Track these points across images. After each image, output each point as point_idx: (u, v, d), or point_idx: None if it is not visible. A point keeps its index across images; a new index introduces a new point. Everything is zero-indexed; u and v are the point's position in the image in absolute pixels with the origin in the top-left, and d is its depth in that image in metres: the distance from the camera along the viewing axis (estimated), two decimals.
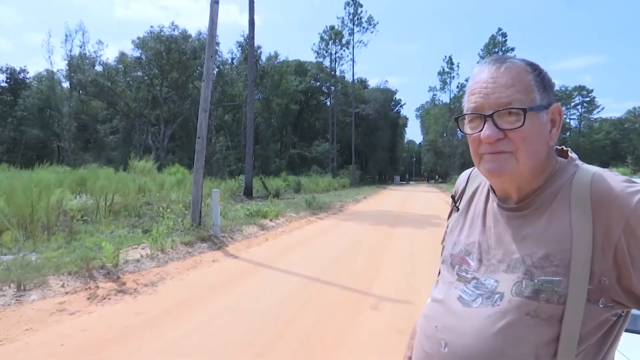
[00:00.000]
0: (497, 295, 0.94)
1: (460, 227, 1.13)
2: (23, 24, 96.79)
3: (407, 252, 8.70)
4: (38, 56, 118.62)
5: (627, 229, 0.85)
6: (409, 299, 5.26)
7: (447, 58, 71.63)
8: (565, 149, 1.04)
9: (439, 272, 1.18)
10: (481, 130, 0.96)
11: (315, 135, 57.25)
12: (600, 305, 0.87)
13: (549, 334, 0.88)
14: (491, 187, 1.07)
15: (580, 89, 78.48)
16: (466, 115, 1.00)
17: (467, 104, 1.00)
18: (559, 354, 0.87)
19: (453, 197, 1.25)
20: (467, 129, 1.00)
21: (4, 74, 43.15)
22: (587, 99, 78.59)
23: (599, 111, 79.43)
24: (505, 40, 62.05)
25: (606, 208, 0.88)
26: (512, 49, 62.13)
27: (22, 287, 4.93)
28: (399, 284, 5.99)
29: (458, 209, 1.19)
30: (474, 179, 1.18)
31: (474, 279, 1.01)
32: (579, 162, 1.00)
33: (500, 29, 62.31)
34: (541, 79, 0.96)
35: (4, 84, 43.28)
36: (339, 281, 6.09)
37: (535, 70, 0.97)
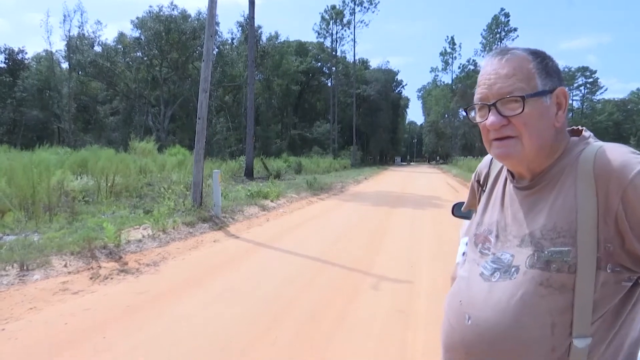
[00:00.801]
0: (513, 269, 1.01)
1: (484, 209, 1.21)
2: (21, 3, 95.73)
3: (407, 232, 8.74)
4: (37, 36, 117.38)
5: (625, 197, 0.90)
6: (409, 279, 5.30)
7: (449, 38, 71.16)
8: (580, 128, 1.09)
9: (463, 253, 1.27)
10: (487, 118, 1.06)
11: (316, 116, 57.00)
12: (608, 271, 0.92)
13: (562, 302, 0.93)
14: (508, 169, 1.15)
15: (584, 69, 77.88)
16: (475, 106, 1.09)
17: (476, 95, 1.08)
18: (574, 321, 0.93)
19: (478, 181, 1.35)
20: (477, 118, 1.09)
21: (2, 54, 42.75)
22: (591, 79, 78.02)
23: (602, 92, 79.00)
24: (508, 20, 61.38)
25: (607, 179, 0.92)
26: (515, 29, 61.52)
27: (25, 267, 4.97)
28: (399, 264, 6.02)
29: (484, 192, 1.28)
30: (496, 163, 1.26)
31: (493, 254, 1.08)
32: (592, 139, 1.05)
33: (503, 9, 61.51)
34: (544, 65, 1.02)
35: (2, 65, 42.87)
36: (340, 261, 6.13)
37: (538, 57, 1.03)
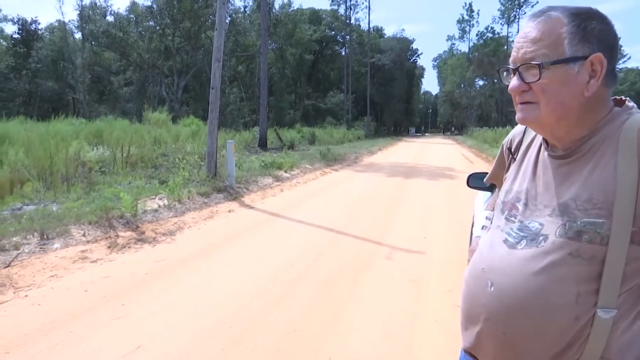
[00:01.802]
0: (541, 237, 0.99)
1: (514, 176, 1.18)
2: None
3: (421, 203, 8.73)
4: (49, 6, 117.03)
5: None
6: (421, 250, 5.32)
7: (467, 5, 69.32)
8: (623, 98, 1.06)
9: (490, 220, 1.25)
10: None
11: (329, 86, 56.39)
12: None
13: (590, 272, 0.92)
14: (543, 137, 1.12)
15: None
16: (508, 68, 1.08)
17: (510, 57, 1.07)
18: (601, 292, 0.91)
19: (509, 148, 1.30)
20: (508, 78, 1.08)
21: (16, 25, 42.84)
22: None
23: (625, 61, 76.45)
24: None
25: None
26: None
27: (45, 236, 5.09)
28: (412, 235, 6.04)
29: (515, 160, 1.24)
30: (530, 131, 1.23)
31: (520, 222, 1.06)
32: (635, 110, 1.02)
33: None
34: (582, 29, 0.96)
35: (16, 36, 43.02)
36: (353, 231, 6.16)
37: (576, 20, 0.97)
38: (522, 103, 1.03)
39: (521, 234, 1.04)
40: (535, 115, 1.01)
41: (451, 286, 4.04)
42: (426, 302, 3.77)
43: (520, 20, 59.53)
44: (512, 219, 1.09)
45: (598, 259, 0.91)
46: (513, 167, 1.22)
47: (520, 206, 1.09)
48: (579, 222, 0.93)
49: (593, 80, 0.96)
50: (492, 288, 1.03)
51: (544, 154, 1.10)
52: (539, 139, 1.17)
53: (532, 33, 1.00)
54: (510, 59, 1.05)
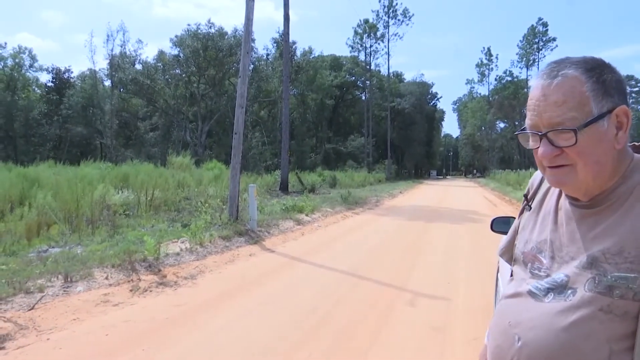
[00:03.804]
0: (569, 291, 0.94)
1: (532, 225, 1.14)
2: (67, 25, 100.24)
3: (443, 247, 8.59)
4: (81, 56, 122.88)
5: None
6: (445, 296, 5.20)
7: (486, 49, 70.34)
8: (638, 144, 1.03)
9: (511, 273, 1.19)
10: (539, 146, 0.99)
11: (350, 130, 57.02)
12: None
13: (623, 329, 0.87)
14: None
15: (629, 78, 75.17)
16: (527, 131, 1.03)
17: (527, 119, 1.01)
18: (636, 350, 0.86)
19: (526, 195, 1.26)
20: (531, 143, 1.02)
21: (50, 74, 45.15)
22: (636, 89, 75.29)
23: None
24: (547, 30, 60.28)
25: None
26: (554, 39, 60.29)
27: (69, 279, 5.14)
28: (435, 281, 5.92)
29: (530, 208, 1.20)
30: None
31: (547, 276, 1.01)
32: None
33: (540, 19, 60.57)
34: (601, 83, 0.93)
35: (50, 84, 45.19)
36: (375, 276, 6.07)
37: (593, 76, 0.93)
38: (553, 167, 0.98)
39: (547, 286, 0.99)
40: (572, 178, 0.96)
41: (477, 334, 3.92)
42: (451, 351, 3.65)
43: (539, 62, 60.13)
44: (537, 272, 1.04)
45: (631, 315, 0.86)
46: (529, 215, 1.18)
47: (543, 258, 1.04)
48: (609, 277, 0.89)
49: (621, 132, 0.94)
50: (520, 343, 0.98)
51: (566, 202, 1.06)
52: None
53: (552, 96, 0.94)
54: (530, 123, 0.99)
